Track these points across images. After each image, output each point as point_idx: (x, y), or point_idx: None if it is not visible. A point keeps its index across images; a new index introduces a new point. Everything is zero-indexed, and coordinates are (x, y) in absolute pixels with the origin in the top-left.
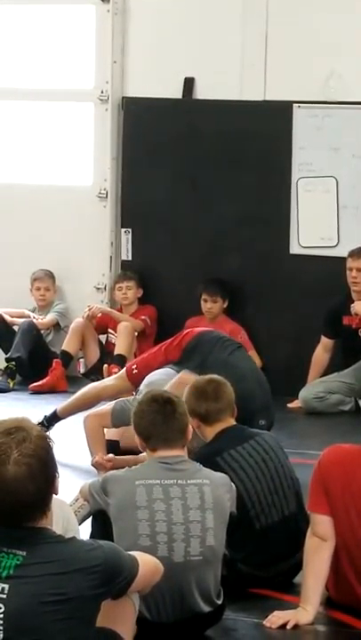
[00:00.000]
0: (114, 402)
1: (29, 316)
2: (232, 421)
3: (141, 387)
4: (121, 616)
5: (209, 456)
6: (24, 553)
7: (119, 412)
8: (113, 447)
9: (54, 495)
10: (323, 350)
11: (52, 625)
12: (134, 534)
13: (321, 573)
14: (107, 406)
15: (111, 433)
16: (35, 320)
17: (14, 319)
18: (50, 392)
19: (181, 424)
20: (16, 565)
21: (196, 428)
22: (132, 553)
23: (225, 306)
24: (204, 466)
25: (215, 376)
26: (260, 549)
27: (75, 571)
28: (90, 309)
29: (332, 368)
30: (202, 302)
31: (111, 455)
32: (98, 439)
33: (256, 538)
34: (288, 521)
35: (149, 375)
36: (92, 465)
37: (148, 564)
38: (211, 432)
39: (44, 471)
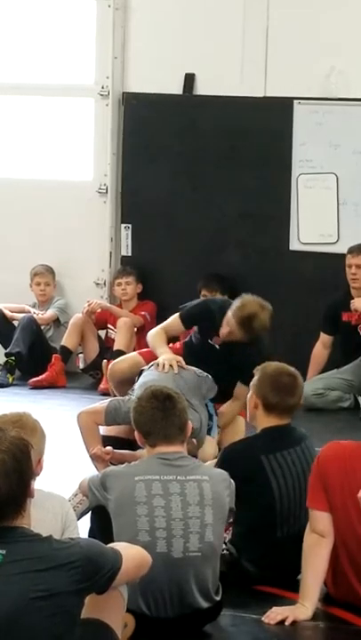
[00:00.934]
0: (108, 400)
1: (29, 312)
2: (289, 419)
3: (135, 386)
4: (110, 607)
5: (256, 450)
6: (4, 552)
7: (113, 410)
8: (108, 443)
9: (55, 492)
10: (322, 347)
11: (37, 621)
12: (133, 530)
13: (320, 570)
14: (100, 404)
15: (107, 429)
16: (35, 315)
17: (14, 314)
18: (49, 387)
19: (181, 420)
20: None
21: (253, 407)
22: (116, 546)
23: None
24: (246, 457)
25: (292, 369)
26: (274, 556)
27: (55, 567)
28: (89, 305)
29: (331, 365)
30: (201, 298)
31: (109, 448)
32: (93, 435)
33: (273, 544)
34: None
35: (143, 375)
36: (90, 456)
37: (133, 558)
38: (263, 421)
39: (17, 469)
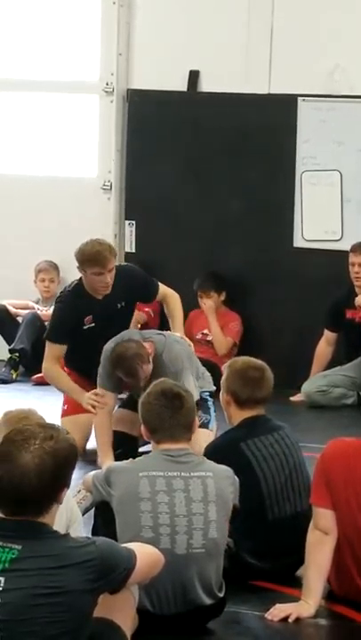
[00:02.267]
0: None
1: (33, 308)
2: (262, 410)
3: None
4: (120, 606)
5: (234, 441)
6: (19, 547)
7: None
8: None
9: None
10: (326, 344)
11: (49, 617)
12: (137, 526)
13: (323, 567)
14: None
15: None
16: (38, 312)
17: (18, 310)
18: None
19: (188, 419)
20: (12, 559)
21: (226, 404)
22: (130, 545)
23: (222, 299)
24: (227, 450)
25: (260, 362)
26: (269, 541)
27: (70, 565)
28: None
29: (335, 362)
30: (199, 299)
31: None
32: (104, 431)
33: (267, 529)
34: (299, 517)
35: None
36: (99, 464)
37: (147, 557)
38: (238, 415)
39: (54, 473)
